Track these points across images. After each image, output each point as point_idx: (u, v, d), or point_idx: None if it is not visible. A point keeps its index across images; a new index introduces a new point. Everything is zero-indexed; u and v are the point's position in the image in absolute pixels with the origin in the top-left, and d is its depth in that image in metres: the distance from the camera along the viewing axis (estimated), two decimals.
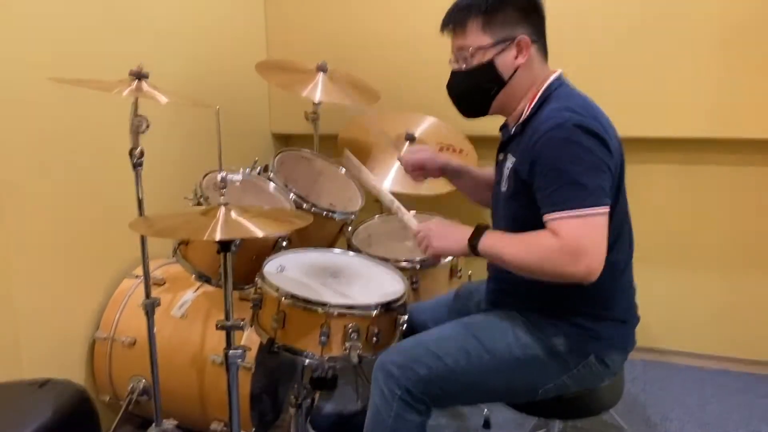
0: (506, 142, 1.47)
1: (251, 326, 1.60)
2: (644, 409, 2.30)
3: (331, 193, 2.26)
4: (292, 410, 1.77)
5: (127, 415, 1.92)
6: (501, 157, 1.48)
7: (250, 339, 1.76)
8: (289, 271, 1.66)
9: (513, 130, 1.44)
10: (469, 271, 2.13)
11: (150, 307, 1.72)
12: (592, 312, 1.38)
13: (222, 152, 1.54)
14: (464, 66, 1.42)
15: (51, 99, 1.73)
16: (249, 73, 2.26)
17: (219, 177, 1.43)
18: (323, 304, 1.47)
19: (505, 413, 2.16)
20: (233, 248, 1.40)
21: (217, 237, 1.29)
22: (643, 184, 2.51)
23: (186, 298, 1.94)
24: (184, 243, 1.85)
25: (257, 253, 1.77)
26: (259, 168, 2.07)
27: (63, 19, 1.76)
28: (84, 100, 1.81)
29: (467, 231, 1.37)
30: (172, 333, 1.88)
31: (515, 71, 1.39)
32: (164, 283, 2.00)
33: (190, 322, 1.90)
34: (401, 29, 2.60)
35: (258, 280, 1.58)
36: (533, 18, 1.39)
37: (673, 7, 2.30)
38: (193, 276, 1.85)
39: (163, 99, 1.53)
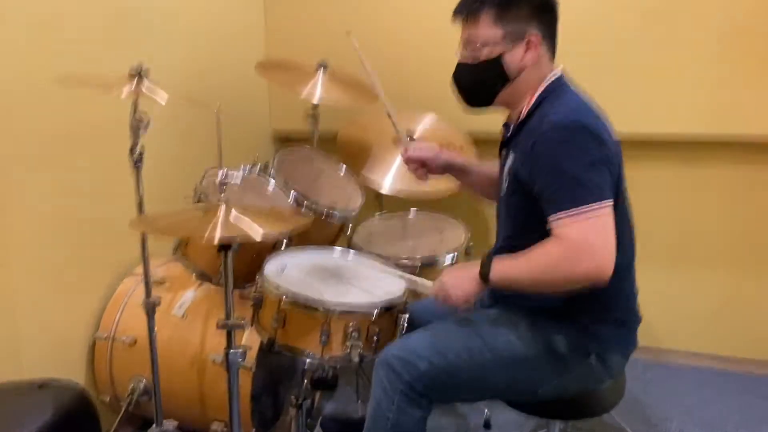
0: (507, 141, 1.47)
1: (252, 326, 1.60)
2: (644, 409, 2.30)
3: (331, 193, 2.25)
4: (292, 410, 1.77)
5: (127, 416, 1.92)
6: (503, 155, 1.48)
7: (250, 339, 1.76)
8: (290, 271, 1.65)
9: (512, 128, 1.43)
10: None
11: (150, 307, 1.72)
12: (594, 313, 1.38)
13: (222, 151, 1.53)
14: (471, 59, 1.41)
15: (51, 98, 1.73)
16: (249, 73, 2.26)
17: (219, 176, 1.42)
18: (324, 304, 1.47)
19: (506, 414, 2.15)
20: (233, 248, 1.40)
21: (217, 236, 1.29)
22: (643, 184, 2.50)
23: (186, 298, 1.94)
24: (184, 242, 1.84)
25: (257, 252, 1.77)
26: (259, 167, 2.07)
27: (63, 19, 1.76)
28: (84, 99, 1.81)
29: (475, 266, 1.35)
30: (172, 333, 1.88)
31: (522, 69, 1.38)
32: (164, 282, 2.00)
33: (191, 321, 1.89)
34: (402, 28, 2.60)
35: (258, 279, 1.58)
36: (546, 17, 1.39)
37: (673, 5, 2.30)
38: (194, 275, 1.85)
39: (162, 98, 1.53)
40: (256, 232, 1.33)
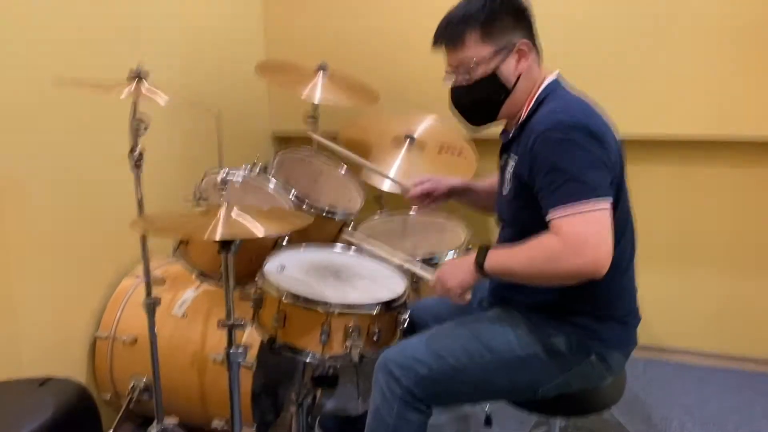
0: (506, 145, 1.47)
1: (252, 325, 1.61)
2: (644, 407, 2.30)
3: (331, 194, 2.26)
4: (293, 409, 1.77)
5: (128, 414, 1.92)
6: (503, 160, 1.49)
7: (250, 337, 1.76)
8: (290, 270, 1.66)
9: (512, 132, 1.44)
10: None
11: (151, 306, 1.72)
12: (594, 312, 1.38)
13: (222, 152, 1.54)
14: (467, 80, 1.41)
15: (51, 99, 1.74)
16: (249, 74, 2.26)
17: (219, 177, 1.43)
18: (324, 303, 1.48)
19: (507, 411, 2.14)
20: (233, 248, 1.40)
21: (218, 237, 1.30)
22: (643, 184, 2.51)
23: (186, 297, 1.95)
24: (184, 242, 1.85)
25: (257, 252, 1.77)
26: (258, 168, 2.07)
27: (63, 19, 1.77)
28: (84, 100, 1.82)
29: (471, 257, 1.37)
30: (172, 332, 1.89)
31: (518, 78, 1.39)
32: (165, 282, 2.00)
33: (191, 321, 1.90)
34: (401, 29, 2.61)
35: (258, 279, 1.58)
36: (525, 21, 1.40)
37: (673, 6, 2.30)
38: (194, 275, 1.85)
39: (162, 100, 1.54)
40: (257, 230, 1.33)
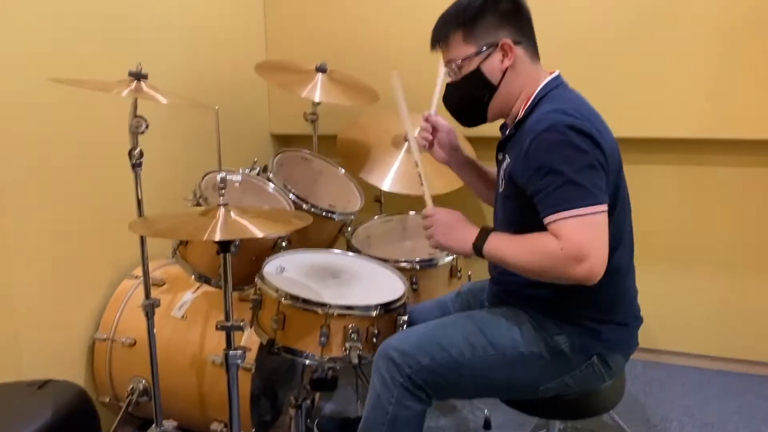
0: (504, 142, 1.47)
1: (251, 327, 1.60)
2: (644, 409, 2.30)
3: (330, 194, 2.26)
4: (292, 411, 1.77)
5: (127, 416, 1.92)
6: (500, 156, 1.49)
7: (250, 339, 1.76)
8: (289, 272, 1.66)
9: (509, 130, 1.44)
10: (469, 272, 2.13)
11: (150, 308, 1.72)
12: (595, 316, 1.38)
13: (221, 153, 1.54)
14: (455, 78, 1.44)
15: (51, 99, 1.73)
16: (248, 74, 2.26)
17: (218, 177, 1.42)
18: (323, 305, 1.47)
19: (506, 414, 2.16)
20: (233, 249, 1.40)
21: (217, 237, 1.29)
22: (643, 184, 2.51)
23: (185, 299, 1.94)
24: (183, 244, 1.85)
25: (257, 253, 1.77)
26: (258, 168, 2.07)
27: (63, 19, 1.76)
28: (84, 100, 1.81)
29: (472, 233, 1.37)
30: (171, 334, 1.88)
31: (504, 74, 1.40)
32: (164, 283, 2.00)
33: (190, 322, 1.89)
34: (401, 29, 2.60)
35: (258, 280, 1.58)
36: (515, 20, 1.40)
37: (672, 6, 2.30)
38: (193, 277, 1.85)
39: (162, 99, 1.53)
40: (256, 231, 1.33)
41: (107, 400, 1.96)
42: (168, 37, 2.22)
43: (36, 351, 1.76)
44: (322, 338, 1.47)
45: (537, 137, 1.27)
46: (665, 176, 2.53)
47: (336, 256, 1.84)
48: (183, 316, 1.91)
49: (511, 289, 1.46)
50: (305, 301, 1.48)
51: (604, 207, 1.23)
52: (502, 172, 1.44)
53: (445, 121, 1.66)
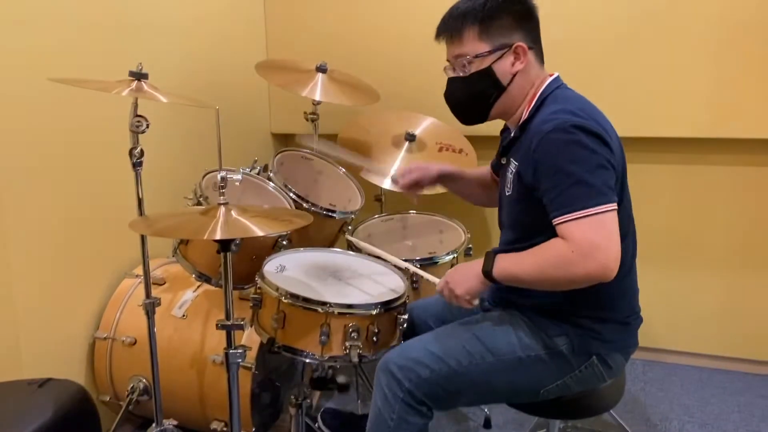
0: (508, 146, 1.47)
1: (251, 326, 1.61)
2: (644, 409, 2.30)
3: (331, 193, 2.26)
4: (292, 410, 1.77)
5: (127, 415, 1.92)
6: (504, 161, 1.48)
7: (250, 338, 1.76)
8: (289, 271, 1.66)
9: (513, 133, 1.44)
10: None
11: (150, 307, 1.72)
12: (595, 314, 1.38)
13: (222, 152, 1.54)
14: (462, 73, 1.42)
15: (51, 99, 1.73)
16: (249, 73, 2.26)
17: (219, 177, 1.43)
18: (323, 304, 1.47)
19: (506, 413, 2.16)
20: (233, 248, 1.40)
21: (217, 236, 1.29)
22: (643, 184, 2.51)
23: (186, 298, 1.94)
24: (183, 243, 1.85)
25: (257, 252, 1.77)
26: (258, 168, 2.07)
27: (63, 19, 1.76)
28: (84, 100, 1.81)
29: (478, 264, 1.36)
30: (172, 333, 1.88)
31: (513, 77, 1.39)
32: (164, 282, 2.00)
33: (190, 321, 1.90)
34: (401, 29, 2.60)
35: (258, 279, 1.58)
36: (528, 24, 1.40)
37: (672, 7, 2.30)
38: (193, 276, 1.85)
39: (162, 99, 1.53)
40: (257, 230, 1.33)
41: (107, 398, 1.96)
42: (168, 36, 2.22)
43: (36, 350, 1.77)
44: (323, 337, 1.47)
45: (545, 137, 1.26)
46: (665, 176, 2.53)
47: (336, 255, 1.84)
48: (183, 315, 1.91)
49: (511, 287, 1.46)
50: (305, 299, 1.48)
51: (614, 206, 1.22)
52: (509, 176, 1.43)
53: (411, 166, 1.72)
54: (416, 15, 2.57)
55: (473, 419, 2.19)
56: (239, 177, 1.97)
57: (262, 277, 1.57)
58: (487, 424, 2.14)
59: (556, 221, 1.24)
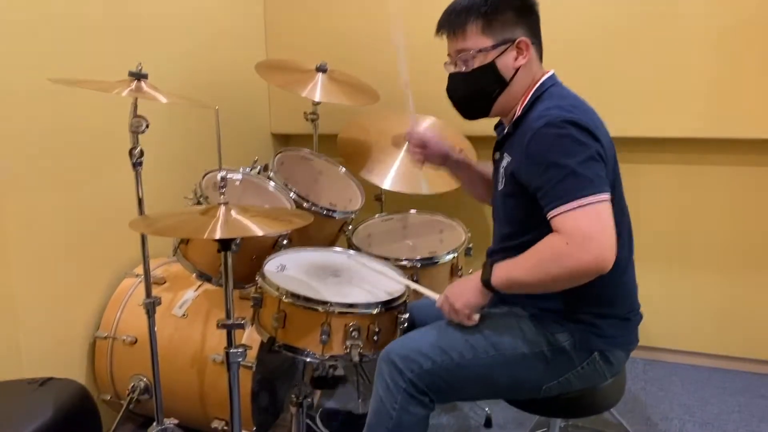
0: (501, 141, 1.47)
1: (252, 325, 1.61)
2: (644, 408, 2.30)
3: (331, 193, 2.26)
4: (293, 409, 1.77)
5: (128, 414, 1.92)
6: (497, 156, 1.49)
7: (250, 338, 1.76)
8: (290, 270, 1.66)
9: (507, 128, 1.44)
10: (470, 270, 2.13)
11: (151, 307, 1.72)
12: (596, 310, 1.38)
13: (222, 152, 1.54)
14: (464, 68, 1.42)
15: (51, 99, 1.74)
16: (249, 73, 2.26)
17: (219, 176, 1.43)
18: (324, 303, 1.47)
19: (507, 412, 2.16)
20: (234, 247, 1.40)
21: (217, 236, 1.29)
22: (643, 184, 2.51)
23: (186, 298, 1.95)
24: (184, 242, 1.85)
25: (257, 252, 1.78)
26: (258, 168, 2.08)
27: (63, 19, 1.77)
28: (84, 100, 1.82)
29: (477, 275, 1.36)
30: (172, 332, 1.89)
31: (516, 72, 1.40)
32: (165, 282, 2.00)
33: (191, 321, 1.90)
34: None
35: (258, 279, 1.58)
36: (529, 19, 1.41)
37: (671, 7, 2.30)
38: (194, 275, 1.85)
39: (162, 99, 1.54)
40: (257, 230, 1.33)
41: (108, 398, 1.97)
42: (168, 37, 2.22)
43: (37, 349, 1.77)
44: (323, 336, 1.47)
45: (536, 133, 1.28)
46: (665, 176, 2.53)
47: (337, 255, 1.84)
48: (184, 315, 1.91)
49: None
50: (306, 299, 1.48)
51: (607, 196, 1.22)
52: (501, 170, 1.44)
53: (430, 132, 1.66)
54: (416, 15, 2.57)
55: (474, 418, 2.20)
56: (239, 177, 1.97)
57: (263, 277, 1.57)
58: (488, 423, 2.14)
59: (549, 215, 1.24)
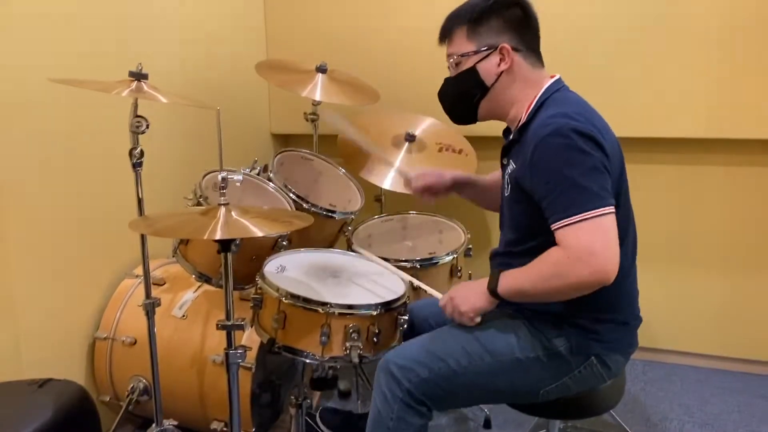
0: (508, 147, 1.48)
1: (251, 326, 1.61)
2: (644, 409, 2.30)
3: (331, 194, 2.26)
4: (292, 410, 1.77)
5: (127, 415, 1.92)
6: (504, 161, 1.49)
7: (250, 339, 1.76)
8: (290, 271, 1.66)
9: (513, 135, 1.45)
10: (469, 271, 2.13)
11: (150, 307, 1.72)
12: (595, 315, 1.38)
13: (222, 152, 1.54)
14: (452, 72, 1.48)
15: (51, 99, 1.73)
16: (249, 74, 2.26)
17: (219, 177, 1.43)
18: (324, 304, 1.47)
19: (506, 413, 2.15)
20: (233, 248, 1.40)
21: (217, 236, 1.29)
22: (643, 184, 2.50)
23: (186, 298, 1.94)
24: (184, 243, 1.85)
25: (257, 253, 1.77)
26: (258, 168, 2.07)
27: (63, 19, 1.76)
28: (84, 100, 1.81)
29: (484, 282, 1.37)
30: (172, 333, 1.88)
31: (498, 77, 1.42)
32: (164, 283, 2.00)
33: (191, 322, 1.90)
34: (401, 29, 2.61)
35: (258, 280, 1.58)
36: (520, 29, 1.42)
37: (671, 7, 2.31)
38: (193, 276, 1.85)
39: (162, 99, 1.54)
40: (257, 230, 1.33)
41: (107, 399, 1.96)
42: (168, 37, 2.22)
43: (36, 350, 1.77)
44: (323, 337, 1.47)
45: (541, 142, 1.27)
46: (665, 176, 2.53)
47: (336, 255, 1.84)
48: (183, 316, 1.91)
49: None
50: (306, 300, 1.48)
51: (611, 209, 1.22)
52: (507, 177, 1.44)
53: (426, 173, 1.75)
54: (416, 15, 2.57)
55: (473, 419, 2.19)
56: (239, 177, 1.97)
57: (263, 278, 1.57)
58: (487, 424, 2.14)
59: (553, 227, 1.24)
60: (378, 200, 2.53)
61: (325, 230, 2.15)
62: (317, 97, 2.20)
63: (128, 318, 1.93)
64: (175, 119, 2.27)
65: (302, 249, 1.82)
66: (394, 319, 1.56)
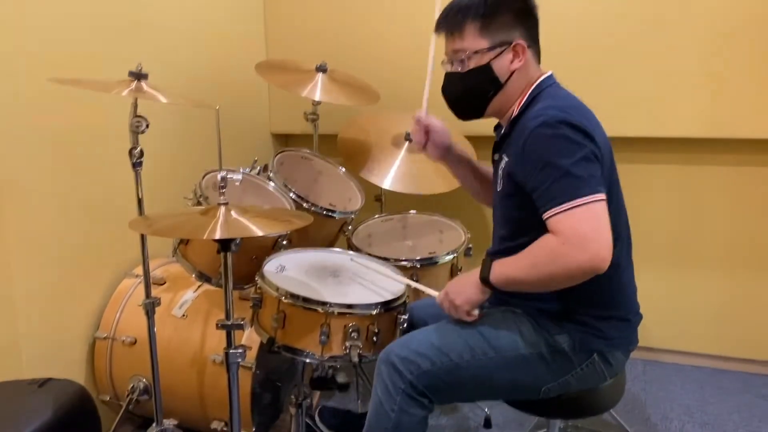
0: (500, 143, 1.48)
1: (251, 326, 1.61)
2: (644, 408, 2.30)
3: (330, 193, 2.26)
4: (292, 409, 1.77)
5: (127, 415, 1.92)
6: (496, 157, 1.49)
7: (250, 338, 1.76)
8: (289, 271, 1.66)
9: (504, 129, 1.45)
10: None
11: (150, 307, 1.72)
12: (596, 312, 1.38)
13: (222, 152, 1.54)
14: (460, 69, 1.43)
15: (51, 99, 1.73)
16: (249, 74, 2.26)
17: (219, 177, 1.43)
18: (323, 304, 1.47)
19: (506, 412, 2.16)
20: (233, 248, 1.40)
21: (217, 236, 1.29)
22: (643, 184, 2.51)
23: (186, 298, 1.94)
24: (183, 243, 1.85)
25: (257, 252, 1.77)
26: (258, 168, 2.07)
27: (63, 19, 1.76)
28: (84, 100, 1.81)
29: (476, 272, 1.37)
30: (172, 333, 1.88)
31: (511, 75, 1.40)
32: (164, 282, 2.00)
33: (191, 321, 1.90)
34: (401, 29, 2.61)
35: (258, 279, 1.58)
36: (528, 22, 1.41)
37: (671, 7, 2.31)
38: (193, 276, 1.85)
39: (162, 99, 1.54)
40: (256, 230, 1.33)
41: (108, 398, 1.96)
42: (168, 37, 2.22)
43: (36, 350, 1.77)
44: (323, 337, 1.47)
45: (532, 133, 1.28)
46: (665, 176, 2.53)
47: (336, 255, 1.84)
48: (183, 315, 1.91)
49: (512, 292, 1.46)
50: (305, 299, 1.48)
51: (602, 196, 1.22)
52: (500, 172, 1.44)
53: (438, 120, 1.65)
54: (416, 15, 2.57)
55: (473, 419, 2.19)
56: (239, 177, 1.97)
57: (262, 277, 1.57)
58: (488, 423, 2.14)
59: (545, 216, 1.24)
60: (378, 200, 2.53)
61: (325, 230, 2.15)
62: (317, 97, 2.20)
63: (128, 318, 1.93)
64: (175, 119, 2.27)
65: (302, 248, 1.82)
66: (393, 319, 1.56)
